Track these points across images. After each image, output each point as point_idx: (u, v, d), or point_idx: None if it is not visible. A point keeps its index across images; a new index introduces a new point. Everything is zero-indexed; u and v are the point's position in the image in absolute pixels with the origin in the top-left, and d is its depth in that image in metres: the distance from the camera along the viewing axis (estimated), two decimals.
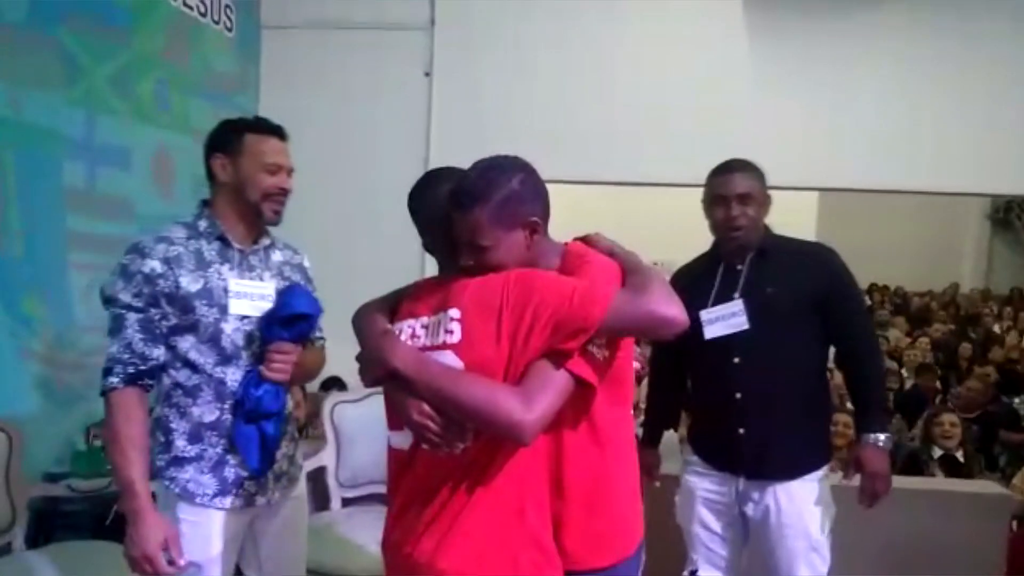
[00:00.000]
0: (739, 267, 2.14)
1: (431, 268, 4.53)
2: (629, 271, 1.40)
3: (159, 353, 1.68)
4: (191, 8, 3.58)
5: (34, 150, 2.72)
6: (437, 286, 1.45)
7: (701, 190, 4.31)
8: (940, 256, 11.15)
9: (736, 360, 2.09)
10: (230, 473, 1.74)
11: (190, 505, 1.71)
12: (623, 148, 4.01)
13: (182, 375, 1.71)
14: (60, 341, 2.85)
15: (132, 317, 1.65)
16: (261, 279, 1.80)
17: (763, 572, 2.13)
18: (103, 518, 2.67)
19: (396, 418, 1.42)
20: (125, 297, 1.65)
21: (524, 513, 1.36)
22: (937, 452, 3.70)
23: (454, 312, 1.36)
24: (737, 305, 2.09)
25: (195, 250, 1.72)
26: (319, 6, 4.18)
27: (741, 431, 2.09)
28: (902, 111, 3.86)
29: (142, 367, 1.66)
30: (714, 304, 2.11)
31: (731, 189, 2.09)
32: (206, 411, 1.72)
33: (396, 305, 1.51)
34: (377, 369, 1.39)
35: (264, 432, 1.74)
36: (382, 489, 3.03)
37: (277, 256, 1.88)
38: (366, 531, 2.58)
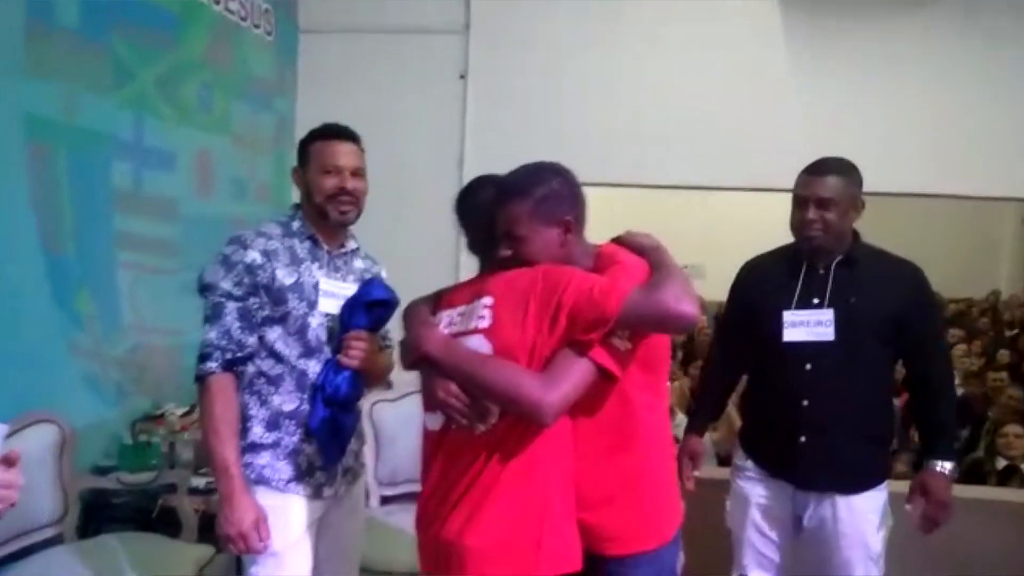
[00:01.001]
0: (821, 271, 2.07)
1: (465, 270, 4.57)
2: (654, 268, 1.47)
3: (253, 341, 1.75)
4: (232, 13, 3.65)
5: (86, 152, 2.79)
6: (475, 280, 1.58)
7: (739, 194, 4.32)
8: (976, 261, 10.93)
9: (808, 367, 2.02)
10: (303, 462, 1.80)
11: (268, 489, 1.76)
12: (656, 151, 4.00)
13: (266, 364, 1.77)
14: (108, 338, 2.93)
15: (231, 305, 1.72)
16: (345, 281, 1.87)
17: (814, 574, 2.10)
18: (149, 511, 2.74)
19: (429, 400, 1.52)
20: (226, 285, 1.72)
21: (549, 502, 1.43)
22: (1001, 463, 3.63)
23: (487, 300, 1.47)
24: (827, 315, 2.01)
25: (288, 247, 1.81)
26: (356, 11, 4.24)
27: (802, 439, 2.03)
28: (937, 115, 3.81)
29: (239, 354, 1.73)
30: (797, 307, 2.04)
31: (812, 191, 2.01)
32: (287, 400, 1.78)
33: (439, 299, 1.63)
34: (412, 353, 1.52)
35: (339, 420, 1.79)
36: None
37: (359, 263, 1.96)
38: (406, 528, 2.60)
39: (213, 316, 1.73)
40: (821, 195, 2.00)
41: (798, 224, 2.05)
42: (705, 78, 3.98)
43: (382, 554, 2.59)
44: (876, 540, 2.04)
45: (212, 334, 1.71)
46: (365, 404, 3.11)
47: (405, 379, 3.14)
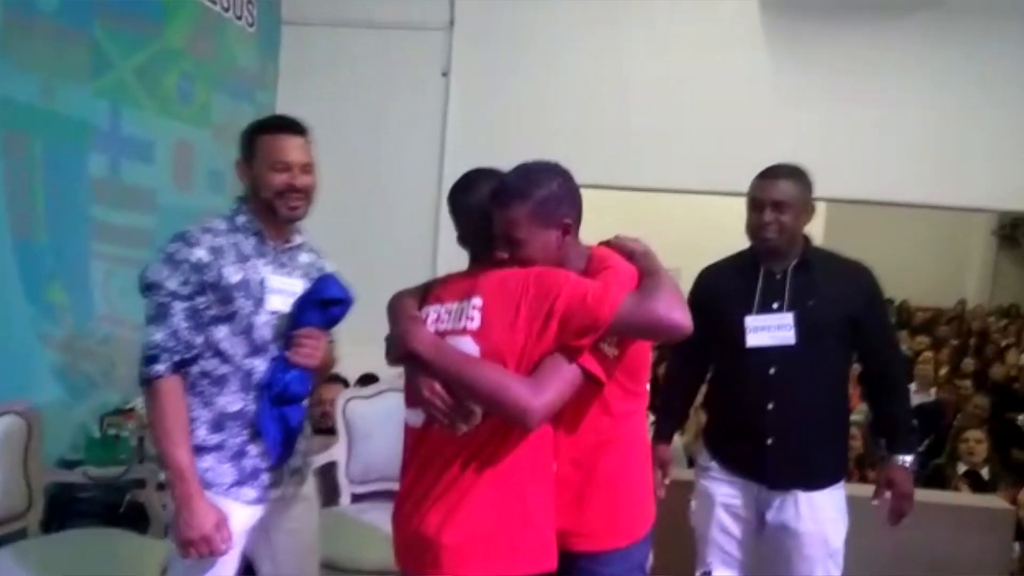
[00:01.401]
0: (779, 276, 2.12)
1: (443, 264, 4.55)
2: (644, 275, 1.48)
3: (200, 341, 1.70)
4: (215, 3, 3.62)
5: (62, 140, 2.76)
6: (465, 276, 1.56)
7: (715, 197, 4.37)
8: (945, 270, 11.15)
9: (772, 371, 2.07)
10: (248, 464, 1.75)
11: (209, 494, 1.71)
12: (638, 152, 4.04)
13: (211, 364, 1.72)
14: (79, 329, 2.89)
15: (178, 305, 1.66)
16: (291, 276, 1.82)
17: (776, 573, 2.15)
18: (116, 506, 2.71)
19: (412, 396, 1.51)
20: (171, 285, 1.66)
21: (527, 504, 1.45)
22: (962, 468, 3.71)
23: (476, 300, 1.46)
24: (787, 318, 2.07)
25: (234, 243, 1.75)
26: (339, 4, 4.23)
27: (769, 441, 2.08)
28: (913, 124, 3.87)
29: (186, 355, 1.68)
30: (758, 312, 2.10)
31: (767, 195, 2.07)
32: (231, 401, 1.73)
33: (426, 292, 1.61)
34: (398, 350, 1.50)
35: (288, 418, 1.76)
36: (393, 485, 3.04)
37: (304, 257, 1.90)
38: (378, 525, 2.60)
39: (159, 316, 1.67)
40: (776, 198, 2.06)
41: (754, 226, 2.11)
42: (688, 81, 4.01)
43: (353, 552, 2.57)
44: (836, 536, 2.10)
45: (159, 335, 1.66)
46: (339, 401, 3.11)
47: (386, 376, 3.15)
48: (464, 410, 1.42)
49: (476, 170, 1.61)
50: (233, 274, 1.71)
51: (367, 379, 3.52)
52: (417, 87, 4.18)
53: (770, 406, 2.07)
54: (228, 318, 1.71)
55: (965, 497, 3.36)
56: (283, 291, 1.78)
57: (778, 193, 2.06)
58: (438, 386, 1.42)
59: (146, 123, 3.17)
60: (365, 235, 4.18)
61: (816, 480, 2.10)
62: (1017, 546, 3.07)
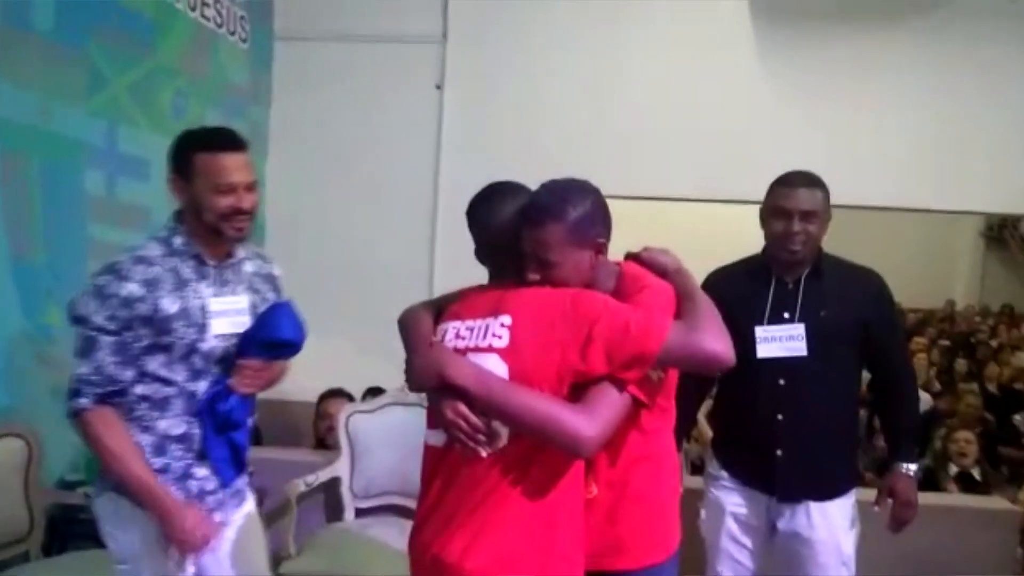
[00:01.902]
0: (790, 285, 2.09)
1: (439, 276, 4.49)
2: (683, 297, 1.45)
3: (129, 375, 1.65)
4: (208, 19, 3.62)
5: (58, 158, 2.75)
6: (488, 292, 1.50)
7: (708, 204, 4.38)
8: (934, 273, 11.23)
9: (782, 382, 2.05)
10: (194, 486, 1.72)
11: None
12: (638, 163, 4.03)
13: (151, 388, 1.67)
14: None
15: (104, 340, 1.62)
16: (234, 293, 1.77)
17: None
18: None
19: (434, 417, 1.47)
20: (98, 319, 1.61)
21: (556, 527, 1.40)
22: (954, 469, 3.72)
23: (505, 318, 1.41)
24: (798, 329, 2.04)
25: (172, 268, 1.69)
26: (332, 18, 4.22)
27: (779, 452, 2.06)
28: (900, 129, 3.89)
29: (110, 388, 1.64)
30: (769, 323, 2.06)
31: (796, 204, 2.01)
32: (173, 424, 1.69)
33: (440, 309, 1.56)
34: (432, 380, 1.42)
35: (235, 442, 1.75)
36: (397, 500, 3.05)
37: (248, 268, 1.83)
38: (382, 540, 2.60)
39: (85, 350, 1.63)
40: (805, 208, 2.02)
41: (780, 236, 2.05)
42: (681, 90, 4.02)
43: (358, 568, 2.56)
44: (848, 543, 2.09)
45: (84, 368, 1.62)
46: (341, 416, 3.10)
47: (391, 389, 3.14)
48: (490, 434, 1.37)
49: (499, 184, 1.55)
50: (170, 304, 1.65)
51: (373, 392, 3.52)
52: (411, 100, 4.17)
53: (780, 417, 2.05)
54: (165, 348, 1.66)
55: (966, 498, 3.37)
56: (227, 312, 1.73)
57: (807, 203, 2.01)
58: (463, 407, 1.36)
59: (141, 141, 3.16)
60: (361, 248, 4.17)
61: (827, 490, 2.08)
62: (1020, 548, 3.08)
